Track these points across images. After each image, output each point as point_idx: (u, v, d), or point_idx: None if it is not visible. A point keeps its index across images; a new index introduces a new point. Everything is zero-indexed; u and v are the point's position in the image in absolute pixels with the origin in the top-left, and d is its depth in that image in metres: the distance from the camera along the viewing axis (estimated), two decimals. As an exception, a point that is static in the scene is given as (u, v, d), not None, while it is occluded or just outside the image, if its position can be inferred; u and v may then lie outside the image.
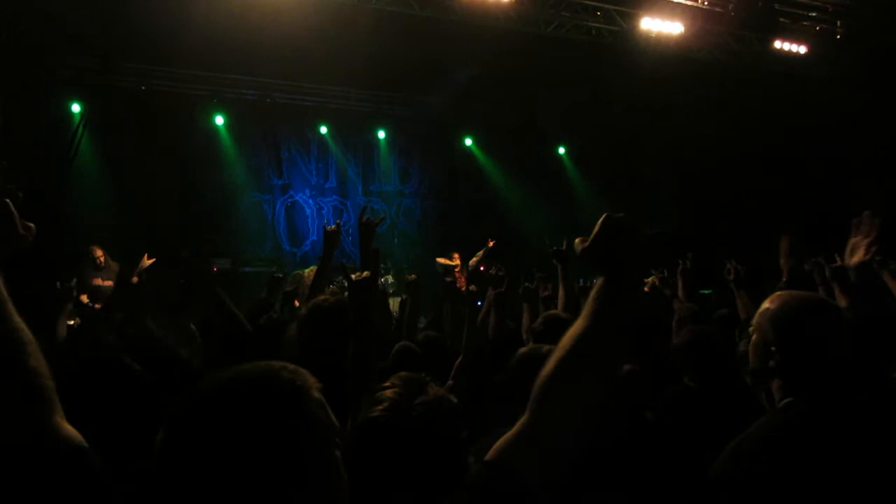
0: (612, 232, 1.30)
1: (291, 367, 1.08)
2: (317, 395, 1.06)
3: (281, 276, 7.04)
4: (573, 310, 3.60)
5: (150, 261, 7.68)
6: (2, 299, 1.26)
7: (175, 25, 8.13)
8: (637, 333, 3.01)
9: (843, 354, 1.71)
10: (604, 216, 1.33)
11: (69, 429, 1.25)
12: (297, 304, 7.21)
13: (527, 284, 4.36)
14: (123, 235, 8.67)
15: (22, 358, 1.23)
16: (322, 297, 2.69)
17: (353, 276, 2.23)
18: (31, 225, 1.43)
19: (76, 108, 9.75)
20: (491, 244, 10.08)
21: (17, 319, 1.26)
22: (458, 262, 9.75)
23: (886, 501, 1.55)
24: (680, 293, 4.68)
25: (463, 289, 9.24)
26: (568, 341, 1.24)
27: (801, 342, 1.71)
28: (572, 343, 1.23)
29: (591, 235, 1.32)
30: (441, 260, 10.42)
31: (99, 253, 7.72)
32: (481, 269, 9.66)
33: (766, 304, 1.81)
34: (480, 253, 10.04)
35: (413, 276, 5.42)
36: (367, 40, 8.74)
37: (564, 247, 4.07)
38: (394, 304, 9.16)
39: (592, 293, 1.27)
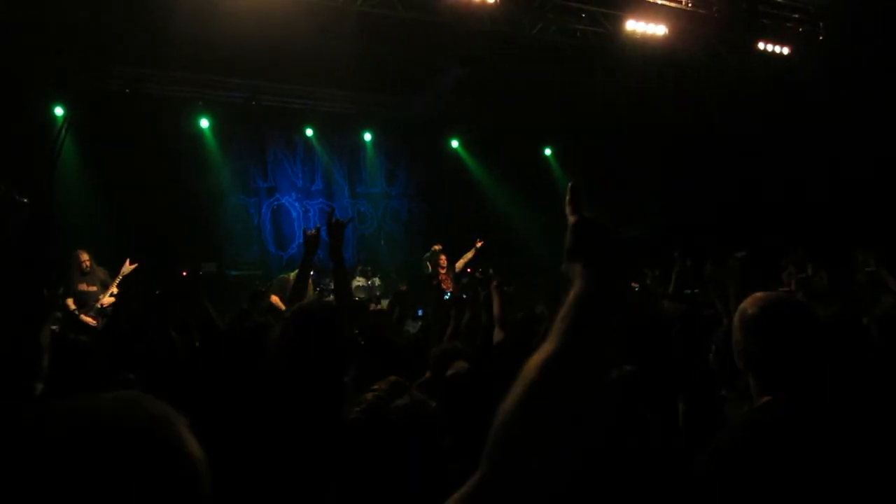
0: (587, 235, 1.10)
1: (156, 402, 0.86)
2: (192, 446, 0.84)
3: (263, 289, 7.05)
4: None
5: (133, 266, 7.66)
6: None
7: (160, 27, 8.08)
8: (631, 336, 3.02)
9: (814, 351, 1.74)
10: (573, 220, 1.13)
11: None
12: (274, 300, 7.24)
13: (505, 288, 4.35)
14: (108, 239, 8.62)
15: None
16: (307, 301, 2.70)
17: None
18: None
19: (59, 111, 9.66)
20: (479, 244, 10.05)
21: None
22: (444, 264, 9.72)
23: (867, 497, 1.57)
24: (671, 289, 4.70)
25: (448, 291, 9.24)
26: (533, 370, 0.96)
27: (770, 340, 1.75)
28: (539, 372, 0.95)
29: (566, 247, 1.11)
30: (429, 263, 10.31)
31: (85, 257, 7.65)
32: (468, 270, 9.64)
33: (742, 305, 1.86)
34: (469, 254, 10.00)
35: (404, 287, 5.43)
36: (353, 42, 8.73)
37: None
38: (384, 305, 9.16)
39: (563, 309, 1.02)
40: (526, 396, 0.94)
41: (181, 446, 0.82)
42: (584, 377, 0.96)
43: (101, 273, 7.73)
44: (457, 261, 9.81)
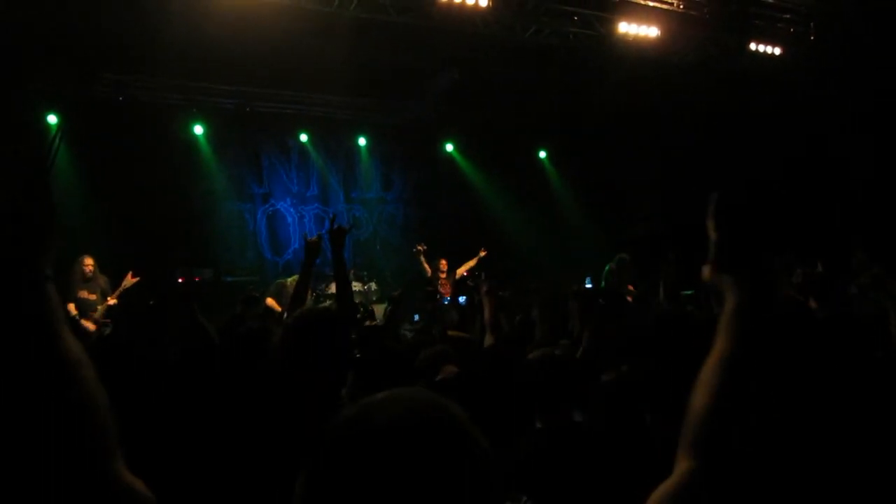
0: (735, 252, 1.22)
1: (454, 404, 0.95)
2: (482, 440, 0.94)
3: (257, 294, 7.03)
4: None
5: (134, 280, 7.60)
6: (56, 317, 1.00)
7: (152, 35, 8.08)
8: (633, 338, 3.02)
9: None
10: (716, 236, 1.25)
11: (132, 479, 1.00)
12: (270, 302, 7.20)
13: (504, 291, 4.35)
14: (103, 247, 8.59)
15: (80, 391, 0.96)
16: (307, 307, 2.71)
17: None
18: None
19: (53, 119, 9.65)
20: (483, 254, 9.98)
21: (72, 342, 1.00)
22: (444, 268, 9.68)
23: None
24: (661, 296, 4.69)
25: (447, 296, 9.23)
26: (718, 371, 1.13)
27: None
28: (725, 371, 1.12)
29: (712, 259, 1.24)
30: (426, 265, 10.16)
31: (88, 262, 7.55)
32: (465, 274, 9.63)
33: None
34: (471, 262, 9.94)
35: (397, 292, 5.45)
36: (346, 47, 8.73)
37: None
38: (378, 310, 9.14)
39: (725, 317, 1.18)
40: (721, 392, 1.11)
41: (477, 435, 0.93)
42: (755, 372, 1.13)
43: (102, 281, 7.69)
44: (458, 267, 9.78)
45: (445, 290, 9.41)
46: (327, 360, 2.19)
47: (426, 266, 9.64)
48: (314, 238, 3.59)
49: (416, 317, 9.13)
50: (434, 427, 0.89)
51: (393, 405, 0.91)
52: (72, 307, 7.20)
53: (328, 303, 8.78)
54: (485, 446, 0.91)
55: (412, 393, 0.95)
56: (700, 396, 1.12)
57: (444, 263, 9.64)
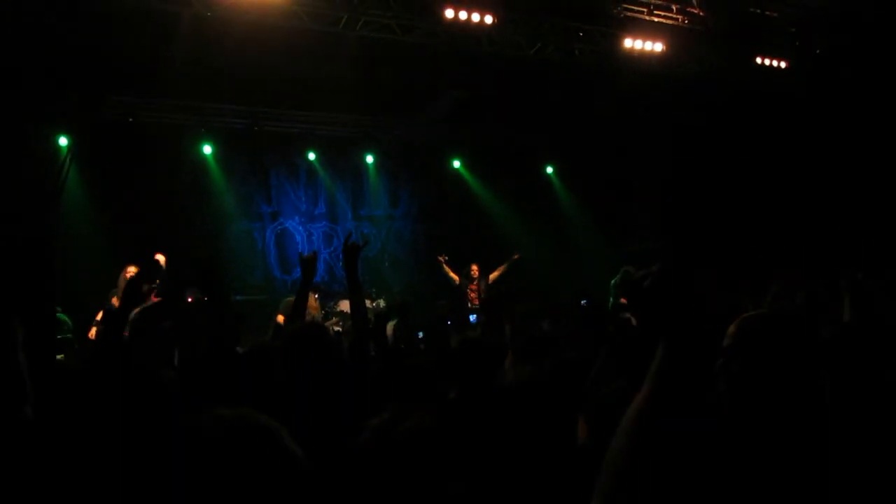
0: (639, 297, 1.27)
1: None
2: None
3: (242, 314, 6.99)
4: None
5: (156, 300, 7.54)
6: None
7: (160, 56, 8.17)
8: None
9: (797, 368, 1.72)
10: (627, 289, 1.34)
11: None
12: (280, 319, 7.19)
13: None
14: (114, 268, 8.63)
15: None
16: (298, 323, 2.74)
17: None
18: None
19: (63, 141, 9.75)
20: (516, 258, 9.94)
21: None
22: (476, 275, 9.64)
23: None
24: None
25: (476, 302, 9.24)
26: (634, 418, 1.16)
27: (752, 354, 1.74)
28: (634, 423, 1.16)
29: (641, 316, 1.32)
30: (451, 274, 10.01)
31: (131, 270, 7.36)
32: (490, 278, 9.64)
33: (737, 321, 1.86)
34: (502, 267, 9.90)
35: (400, 302, 5.47)
36: (353, 66, 8.81)
37: None
38: (388, 327, 9.12)
39: (653, 366, 1.22)
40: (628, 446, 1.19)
41: (291, 448, 1.14)
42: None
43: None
44: (491, 272, 9.76)
45: (474, 296, 9.39)
46: (318, 372, 2.20)
47: (452, 275, 9.64)
48: (309, 255, 3.61)
49: (421, 333, 9.11)
50: (252, 436, 1.11)
51: (225, 418, 1.13)
52: (100, 315, 7.10)
53: (335, 319, 8.82)
54: (296, 453, 1.13)
55: (243, 412, 1.16)
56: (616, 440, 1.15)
57: (475, 269, 9.59)
